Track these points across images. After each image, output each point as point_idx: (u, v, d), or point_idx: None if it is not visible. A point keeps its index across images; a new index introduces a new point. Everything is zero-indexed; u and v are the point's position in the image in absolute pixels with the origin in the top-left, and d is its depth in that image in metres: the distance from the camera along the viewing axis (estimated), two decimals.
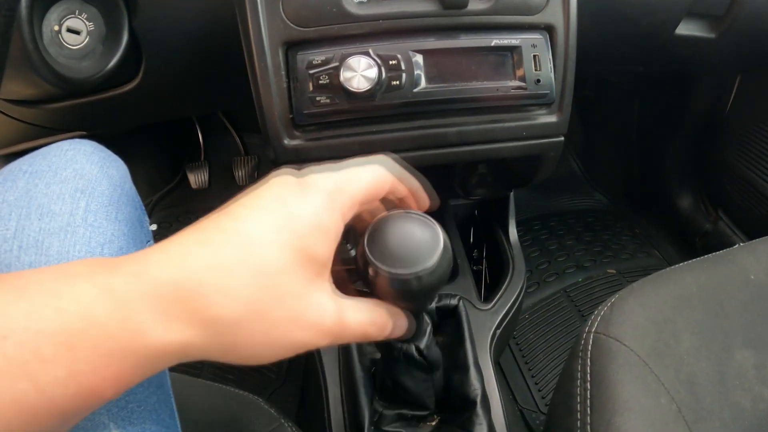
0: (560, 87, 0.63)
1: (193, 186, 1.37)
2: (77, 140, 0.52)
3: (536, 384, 1.02)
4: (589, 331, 0.57)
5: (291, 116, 0.62)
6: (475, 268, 0.92)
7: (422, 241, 0.39)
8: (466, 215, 0.91)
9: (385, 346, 0.58)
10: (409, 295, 0.40)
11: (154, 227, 0.61)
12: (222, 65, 0.74)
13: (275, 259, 0.29)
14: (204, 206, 1.36)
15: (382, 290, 0.41)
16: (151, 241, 0.65)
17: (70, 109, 0.73)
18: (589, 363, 0.55)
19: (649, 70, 1.00)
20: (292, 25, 0.58)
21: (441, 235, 0.40)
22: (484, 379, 0.71)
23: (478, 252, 0.92)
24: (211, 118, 1.39)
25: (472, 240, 0.92)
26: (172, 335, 0.27)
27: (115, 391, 0.27)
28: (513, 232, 0.87)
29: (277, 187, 0.31)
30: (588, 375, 0.54)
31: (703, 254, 0.98)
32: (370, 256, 0.39)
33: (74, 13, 0.62)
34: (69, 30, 0.62)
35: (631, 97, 1.33)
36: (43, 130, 0.80)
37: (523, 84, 0.60)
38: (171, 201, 1.37)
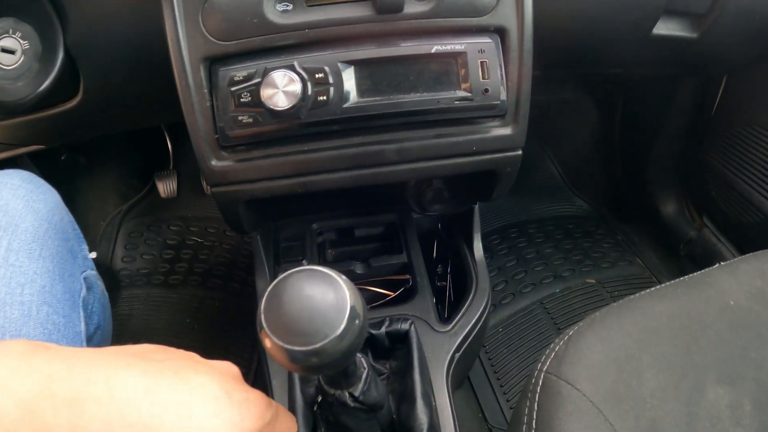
0: (514, 96, 0.55)
1: (162, 195, 1.30)
2: (7, 171, 0.52)
3: (508, 401, 0.94)
4: (540, 371, 0.49)
5: (216, 137, 0.55)
6: (439, 284, 0.84)
7: (324, 308, 0.34)
8: (430, 228, 0.84)
9: (319, 389, 0.52)
10: (311, 370, 0.35)
11: (93, 255, 0.58)
12: (160, 80, 0.69)
13: None
14: (173, 215, 1.31)
15: (283, 364, 0.35)
16: (89, 271, 0.60)
17: (14, 127, 0.69)
18: (536, 407, 0.47)
19: (629, 72, 0.92)
20: (212, 39, 0.52)
21: (348, 296, 0.34)
22: (438, 409, 0.64)
23: (443, 267, 0.84)
24: (180, 125, 1.32)
25: (435, 255, 0.84)
26: None
27: None
28: (478, 247, 0.79)
29: None
30: (534, 421, 0.47)
31: (688, 262, 0.90)
32: (265, 326, 0.34)
33: (8, 32, 0.58)
34: (3, 50, 0.58)
35: (613, 98, 1.24)
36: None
37: (469, 94, 0.52)
38: (141, 210, 1.31)
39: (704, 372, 0.54)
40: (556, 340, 0.52)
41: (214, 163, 0.58)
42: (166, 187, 1.29)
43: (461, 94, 0.52)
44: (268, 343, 0.34)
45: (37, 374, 0.28)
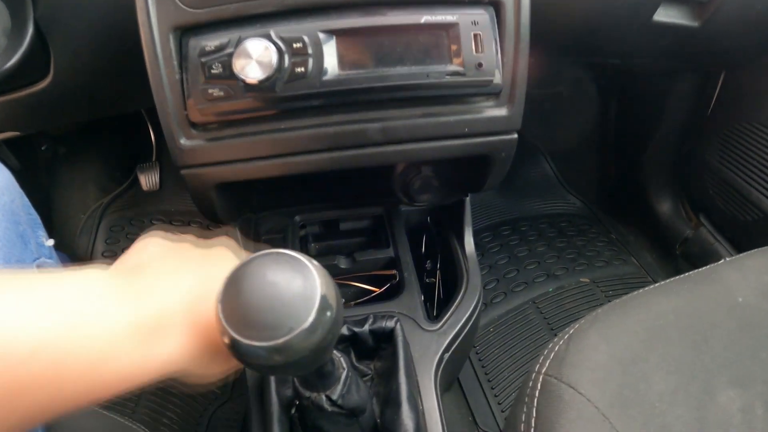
0: (510, 74, 0.49)
1: (144, 188, 1.24)
2: None
3: (499, 404, 0.88)
4: (539, 372, 0.43)
5: (186, 113, 0.50)
6: (428, 280, 0.78)
7: (289, 296, 0.29)
8: (418, 222, 0.78)
9: (294, 393, 0.48)
10: (276, 370, 0.30)
11: (51, 242, 0.52)
12: (132, 57, 0.64)
13: None
14: (156, 209, 1.24)
15: (242, 362, 0.30)
16: (44, 258, 0.55)
17: None
18: (534, 413, 0.42)
19: (627, 62, 0.87)
20: (183, 6, 0.47)
21: (318, 284, 0.29)
22: (425, 413, 0.59)
23: (432, 263, 0.78)
24: None
25: (424, 250, 0.78)
26: None
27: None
28: (469, 242, 0.73)
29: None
30: (532, 429, 0.41)
31: (683, 262, 0.84)
32: (222, 318, 0.29)
33: None
34: None
35: (608, 94, 1.19)
36: None
37: (461, 68, 0.47)
38: (123, 203, 1.24)
39: (714, 374, 0.48)
40: (555, 339, 0.46)
41: (183, 141, 0.53)
42: (148, 180, 1.23)
43: (453, 68, 0.47)
44: (225, 338, 0.29)
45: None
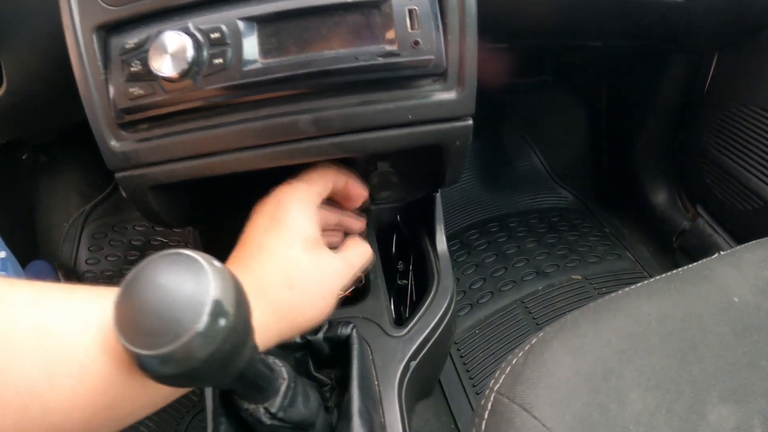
0: (456, 52, 0.42)
1: (124, 194, 1.18)
2: None
3: None
4: (491, 389, 0.36)
5: (113, 114, 0.47)
6: (400, 282, 0.71)
7: (175, 300, 0.25)
8: (389, 221, 0.71)
9: (229, 404, 0.44)
10: (172, 381, 0.27)
11: (3, 254, 0.48)
12: None
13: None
14: (138, 215, 1.17)
15: (142, 372, 0.27)
16: None
17: None
18: None
19: (610, 44, 0.79)
20: (103, 4, 0.44)
21: (212, 287, 0.26)
22: (388, 426, 0.52)
23: (404, 264, 0.71)
24: None
25: (394, 250, 0.71)
26: None
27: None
28: (441, 239, 0.66)
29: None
30: None
31: (681, 255, 0.76)
32: (114, 324, 0.26)
33: None
34: None
35: (597, 81, 1.11)
36: None
37: (394, 48, 0.40)
38: (104, 210, 1.19)
39: (704, 388, 0.40)
40: (516, 350, 0.39)
41: (113, 143, 0.48)
42: None
43: (385, 48, 0.39)
44: (120, 346, 0.26)
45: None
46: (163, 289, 0.25)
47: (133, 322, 0.25)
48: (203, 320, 0.25)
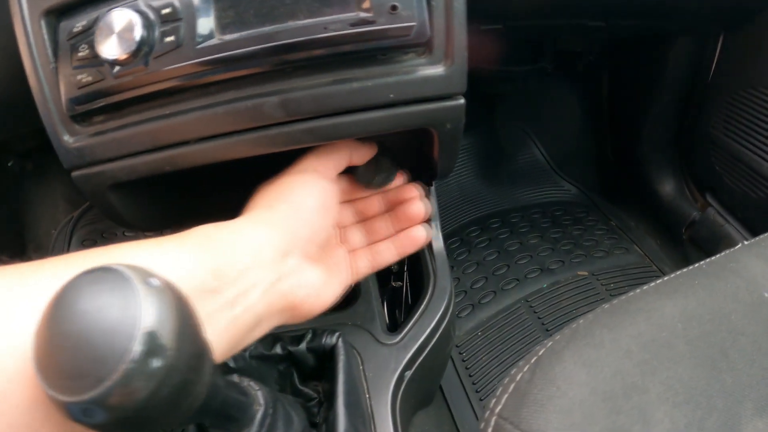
0: (443, 20, 0.36)
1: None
2: None
3: None
4: (492, 412, 0.30)
5: (65, 106, 0.41)
6: (395, 284, 0.65)
7: (96, 333, 0.20)
8: None
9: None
10: (108, 429, 0.21)
11: None
12: None
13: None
14: None
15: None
16: None
17: None
18: None
19: (612, 24, 0.72)
20: None
21: (143, 313, 0.20)
22: None
23: (399, 265, 0.65)
24: None
25: None
26: None
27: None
28: (437, 237, 0.60)
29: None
30: None
31: (691, 247, 0.70)
32: (34, 363, 0.21)
33: None
34: None
35: (598, 68, 1.04)
36: None
37: (369, 15, 0.33)
38: (93, 217, 1.14)
39: (738, 399, 0.34)
40: (521, 364, 0.33)
41: (67, 139, 0.43)
42: None
43: (359, 15, 0.33)
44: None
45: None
46: (83, 317, 0.20)
47: (52, 359, 0.20)
48: (131, 357, 0.19)
